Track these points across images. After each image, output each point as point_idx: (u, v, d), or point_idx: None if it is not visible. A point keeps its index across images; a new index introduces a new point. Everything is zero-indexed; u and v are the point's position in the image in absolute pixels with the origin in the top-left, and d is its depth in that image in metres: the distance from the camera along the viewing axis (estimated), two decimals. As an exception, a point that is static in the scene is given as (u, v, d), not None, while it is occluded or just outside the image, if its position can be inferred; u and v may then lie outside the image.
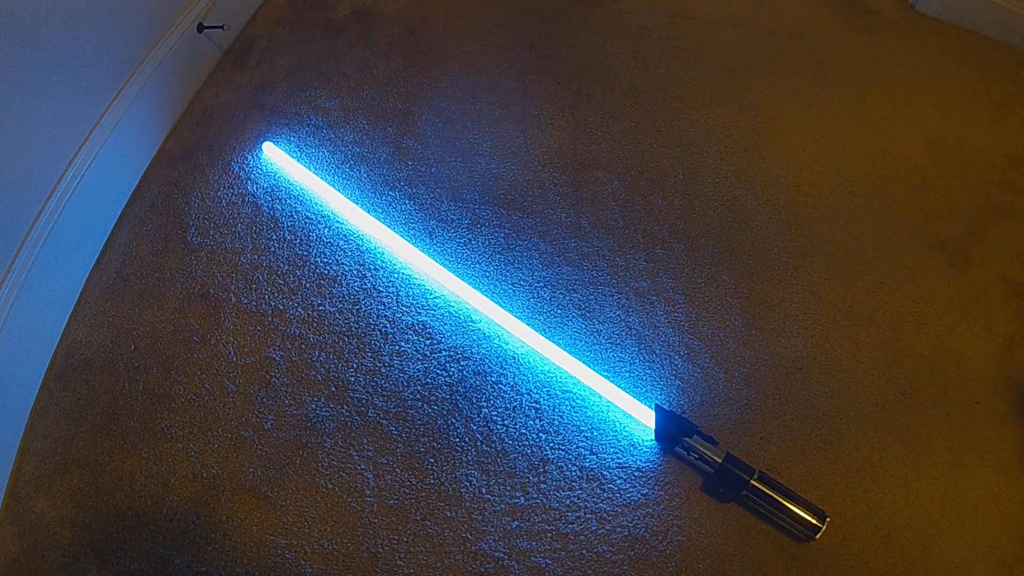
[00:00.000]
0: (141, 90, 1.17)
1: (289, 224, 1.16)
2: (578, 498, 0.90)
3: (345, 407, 0.97)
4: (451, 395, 0.98)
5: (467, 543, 0.86)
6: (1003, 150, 1.27)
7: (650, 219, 1.16)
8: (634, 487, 0.91)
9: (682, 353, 1.02)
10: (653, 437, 0.93)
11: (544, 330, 1.03)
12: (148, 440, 0.95)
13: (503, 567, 0.85)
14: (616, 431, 0.95)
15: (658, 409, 0.92)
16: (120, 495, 0.91)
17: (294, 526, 0.88)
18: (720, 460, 0.87)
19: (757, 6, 1.52)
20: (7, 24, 0.86)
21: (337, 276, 1.10)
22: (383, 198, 1.19)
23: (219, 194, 1.20)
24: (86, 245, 1.11)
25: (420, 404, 0.97)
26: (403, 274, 1.10)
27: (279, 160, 1.25)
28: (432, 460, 0.93)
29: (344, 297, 1.07)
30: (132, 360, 1.02)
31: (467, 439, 0.94)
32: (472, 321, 1.05)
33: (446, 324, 1.05)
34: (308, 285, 1.09)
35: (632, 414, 0.95)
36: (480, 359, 1.01)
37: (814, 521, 0.83)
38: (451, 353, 1.02)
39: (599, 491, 0.90)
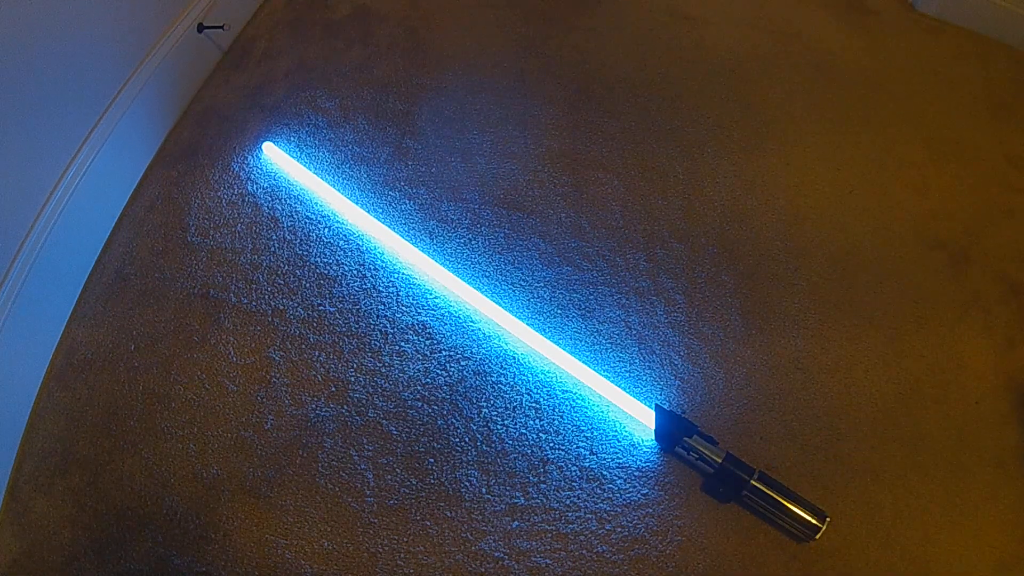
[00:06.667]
0: (141, 90, 1.16)
1: (289, 224, 1.16)
2: (578, 498, 0.90)
3: (345, 407, 0.97)
4: (451, 395, 0.98)
5: (467, 543, 0.86)
6: (1003, 150, 1.27)
7: (650, 219, 1.16)
8: (634, 487, 0.91)
9: (682, 353, 1.02)
10: (653, 437, 0.93)
11: (544, 330, 1.03)
12: (148, 440, 0.95)
13: (503, 567, 0.85)
14: (616, 431, 0.95)
15: (658, 409, 0.92)
16: (120, 495, 0.91)
17: (294, 526, 0.88)
18: (720, 460, 0.87)
19: (757, 6, 1.52)
20: (8, 24, 0.86)
21: (337, 276, 1.10)
22: (383, 198, 1.19)
23: (219, 194, 1.20)
24: (86, 245, 1.11)
25: (420, 404, 0.97)
26: (403, 274, 1.10)
27: (279, 160, 1.25)
28: (432, 460, 0.93)
29: (344, 297, 1.07)
30: (132, 360, 1.02)
31: (467, 439, 0.94)
32: (472, 321, 1.05)
33: (446, 324, 1.05)
34: (308, 285, 1.09)
35: (632, 414, 0.95)
36: (480, 359, 1.01)
37: (814, 521, 0.83)
38: (451, 353, 1.02)
39: (599, 491, 0.90)
